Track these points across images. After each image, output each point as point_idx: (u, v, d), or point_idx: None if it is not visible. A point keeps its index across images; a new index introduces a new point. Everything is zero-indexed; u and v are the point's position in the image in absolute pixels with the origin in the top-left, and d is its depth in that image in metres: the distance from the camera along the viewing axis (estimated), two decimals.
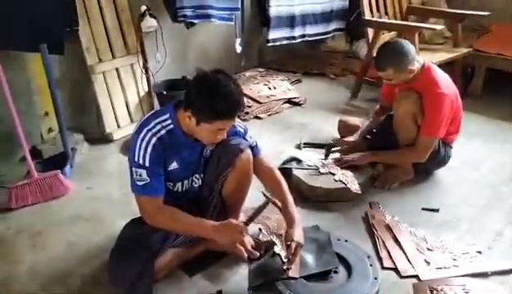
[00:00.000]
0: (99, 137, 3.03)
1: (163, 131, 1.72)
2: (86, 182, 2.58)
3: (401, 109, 2.36)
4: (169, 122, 1.74)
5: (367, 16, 3.54)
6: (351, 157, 2.52)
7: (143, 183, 1.70)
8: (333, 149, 2.64)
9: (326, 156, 2.62)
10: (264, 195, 1.87)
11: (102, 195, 2.47)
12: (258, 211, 1.85)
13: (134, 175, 1.71)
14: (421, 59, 2.38)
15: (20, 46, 2.44)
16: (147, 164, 1.69)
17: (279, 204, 1.89)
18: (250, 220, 1.85)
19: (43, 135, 2.87)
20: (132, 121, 3.12)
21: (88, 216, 2.30)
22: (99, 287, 1.83)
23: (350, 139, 2.66)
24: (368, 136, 2.74)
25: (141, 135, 1.70)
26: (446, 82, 2.35)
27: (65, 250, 2.07)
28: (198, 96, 1.63)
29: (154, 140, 1.70)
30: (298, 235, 1.81)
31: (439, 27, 3.35)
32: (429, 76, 2.33)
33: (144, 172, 1.69)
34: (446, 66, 3.18)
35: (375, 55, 2.55)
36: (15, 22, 2.31)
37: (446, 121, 2.31)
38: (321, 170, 2.48)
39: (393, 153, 2.50)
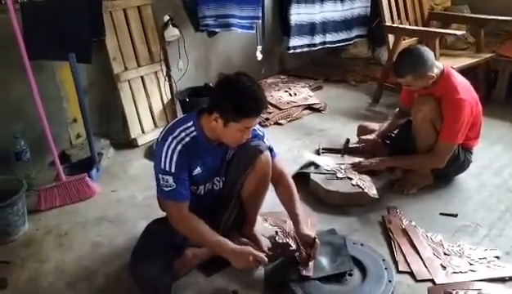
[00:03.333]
0: (124, 143, 3.14)
1: (187, 139, 1.79)
2: (111, 185, 2.69)
3: (419, 114, 2.36)
4: (193, 128, 1.81)
5: (388, 22, 3.55)
6: (369, 161, 2.55)
7: (169, 189, 1.78)
8: (351, 146, 2.70)
9: (344, 151, 2.68)
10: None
11: (126, 198, 2.56)
12: (286, 252, 1.94)
13: (161, 182, 1.78)
14: (441, 64, 2.38)
15: (49, 56, 2.57)
16: (173, 170, 1.76)
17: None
18: (272, 257, 1.90)
19: (72, 140, 3.00)
20: (156, 127, 3.23)
21: (112, 217, 2.39)
22: (121, 285, 1.91)
23: (368, 137, 2.68)
24: (387, 141, 2.76)
25: (167, 142, 1.77)
26: (465, 88, 2.35)
27: (90, 250, 2.16)
28: (224, 97, 1.71)
29: (179, 147, 1.76)
30: (309, 230, 1.86)
31: (460, 32, 3.33)
32: (449, 81, 2.33)
33: (170, 179, 1.76)
34: (468, 72, 3.16)
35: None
36: (46, 33, 2.43)
37: (465, 127, 2.30)
38: (339, 174, 2.50)
39: (411, 159, 2.50)
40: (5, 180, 2.36)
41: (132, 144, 3.12)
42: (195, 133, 1.81)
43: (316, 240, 1.83)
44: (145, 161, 2.96)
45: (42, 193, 2.46)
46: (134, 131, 3.13)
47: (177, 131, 1.80)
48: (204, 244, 1.88)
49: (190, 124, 1.82)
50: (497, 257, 1.97)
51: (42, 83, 2.54)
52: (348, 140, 2.78)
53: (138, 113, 3.15)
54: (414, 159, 2.50)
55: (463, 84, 2.36)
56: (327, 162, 2.65)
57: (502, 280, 1.84)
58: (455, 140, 2.32)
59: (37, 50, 2.41)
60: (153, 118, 3.24)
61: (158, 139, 1.87)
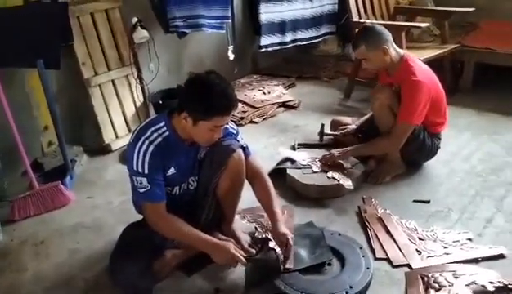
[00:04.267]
0: (98, 148, 3.09)
1: (159, 139, 1.78)
2: (86, 192, 2.65)
3: (376, 102, 2.45)
4: (165, 129, 1.80)
5: (355, 18, 3.62)
6: (332, 154, 2.57)
7: (144, 190, 1.77)
8: (327, 132, 2.85)
9: (320, 136, 2.86)
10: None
11: (102, 204, 2.53)
12: (264, 249, 1.95)
13: (135, 183, 1.78)
14: (402, 51, 2.46)
15: (17, 63, 2.52)
16: (147, 172, 1.75)
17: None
18: (251, 257, 1.91)
19: (44, 148, 2.94)
20: (129, 131, 3.19)
21: (89, 224, 2.36)
22: (102, 289, 1.89)
23: (348, 128, 2.79)
24: (359, 135, 2.82)
25: (139, 144, 1.76)
26: (423, 71, 2.42)
27: (68, 257, 2.13)
28: (194, 96, 1.71)
29: (151, 148, 1.76)
30: (286, 229, 1.87)
31: (425, 24, 3.42)
32: (407, 66, 2.41)
33: (144, 180, 1.75)
34: (435, 63, 3.26)
35: None
36: (12, 40, 2.39)
37: (422, 108, 2.35)
38: (314, 168, 2.54)
39: (370, 144, 2.54)
40: None
41: (105, 149, 3.08)
42: (167, 133, 1.80)
43: (290, 240, 1.83)
44: (120, 166, 2.92)
45: (16, 202, 2.41)
46: (107, 137, 3.10)
47: (149, 131, 1.79)
48: (184, 241, 1.88)
49: (162, 124, 1.81)
50: (470, 239, 2.03)
51: (11, 92, 2.50)
52: (323, 125, 2.91)
53: (111, 117, 3.12)
54: (372, 144, 2.53)
55: (421, 68, 2.43)
56: (303, 156, 2.69)
57: (475, 261, 1.90)
58: (412, 120, 2.37)
59: (3, 57, 2.38)
60: (126, 123, 3.21)
61: (130, 140, 1.85)
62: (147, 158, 1.75)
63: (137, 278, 1.80)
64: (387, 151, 2.53)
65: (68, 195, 2.53)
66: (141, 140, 1.77)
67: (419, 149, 2.50)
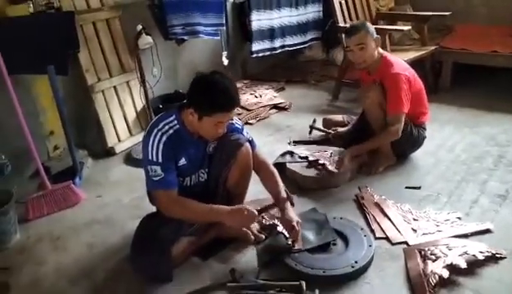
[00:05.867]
0: (101, 152, 3.22)
1: (171, 131, 1.93)
2: (95, 192, 2.76)
3: (367, 101, 2.66)
4: (175, 122, 1.96)
5: (341, 24, 3.84)
6: (341, 160, 2.68)
7: (158, 178, 1.90)
8: (319, 128, 3.10)
9: (311, 129, 3.12)
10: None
11: (112, 202, 2.65)
12: (268, 207, 2.12)
13: (150, 173, 1.91)
14: (381, 50, 2.68)
15: (29, 70, 2.64)
16: (160, 160, 1.89)
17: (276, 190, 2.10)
18: (261, 211, 2.07)
19: (50, 152, 3.05)
20: (131, 135, 3.32)
21: (102, 220, 2.48)
22: (122, 278, 2.01)
23: (341, 130, 3.04)
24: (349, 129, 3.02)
25: (153, 134, 1.91)
26: (399, 64, 2.66)
27: (86, 250, 2.24)
28: (199, 93, 1.86)
29: (164, 138, 1.90)
30: (293, 215, 2.02)
31: (406, 28, 3.67)
32: (386, 62, 2.64)
33: (158, 168, 1.89)
34: (416, 64, 3.49)
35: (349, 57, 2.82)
36: (24, 48, 2.51)
37: (405, 97, 2.56)
38: (311, 158, 2.72)
39: (371, 141, 2.73)
40: None
41: (109, 152, 3.20)
42: (177, 126, 1.95)
43: (297, 224, 1.98)
44: (125, 167, 3.05)
45: (30, 202, 2.52)
46: (111, 140, 3.22)
47: (161, 124, 1.94)
48: (199, 218, 2.01)
49: (172, 118, 1.96)
50: (459, 218, 2.22)
51: (18, 98, 2.59)
52: (314, 120, 3.19)
53: (113, 122, 3.24)
54: (373, 140, 2.72)
55: (398, 62, 2.67)
56: (300, 151, 2.86)
57: (465, 236, 2.09)
58: (401, 108, 2.57)
59: (14, 64, 2.48)
60: (128, 126, 3.34)
61: (144, 133, 1.99)
62: (161, 148, 1.89)
63: (157, 264, 1.93)
64: (390, 141, 2.70)
65: (79, 194, 2.64)
66: (155, 132, 1.92)
67: (407, 140, 2.70)
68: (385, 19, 4.22)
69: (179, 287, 1.91)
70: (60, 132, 2.92)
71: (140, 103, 3.38)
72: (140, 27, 2.93)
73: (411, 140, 2.74)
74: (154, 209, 2.15)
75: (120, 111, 3.30)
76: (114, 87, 3.26)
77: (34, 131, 2.84)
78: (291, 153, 2.83)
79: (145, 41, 2.93)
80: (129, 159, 3.11)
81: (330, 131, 3.09)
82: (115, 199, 2.67)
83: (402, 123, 2.61)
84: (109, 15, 3.22)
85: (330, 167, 2.61)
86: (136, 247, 2.02)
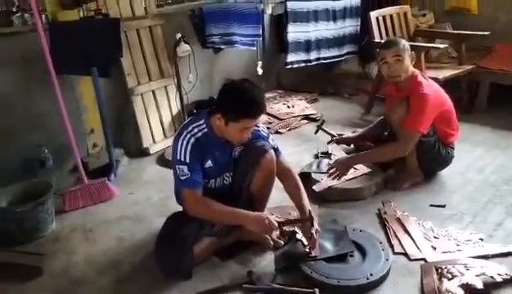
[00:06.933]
0: (137, 152, 3.38)
1: (199, 134, 2.04)
2: (127, 189, 2.92)
3: (395, 116, 2.66)
4: (204, 126, 2.06)
5: (377, 39, 3.86)
6: (339, 163, 2.71)
7: (185, 177, 2.01)
8: (326, 130, 3.19)
9: (317, 128, 3.20)
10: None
11: (142, 199, 2.79)
12: (291, 222, 2.18)
13: (177, 172, 2.02)
14: (412, 69, 2.68)
15: (74, 71, 2.83)
16: (188, 160, 2.00)
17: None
18: (281, 224, 2.14)
19: (89, 149, 3.23)
20: (165, 137, 3.47)
21: (132, 216, 2.61)
22: (147, 271, 2.13)
23: (345, 134, 3.10)
24: (371, 144, 3.03)
25: (182, 136, 2.03)
26: (429, 86, 2.64)
27: (114, 243, 2.37)
28: (227, 99, 1.96)
29: (192, 140, 2.01)
30: (314, 224, 2.07)
31: (442, 45, 3.65)
32: (415, 81, 2.64)
33: (185, 168, 2.00)
34: (452, 83, 3.48)
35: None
36: (72, 50, 2.70)
37: (427, 118, 2.55)
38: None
39: (376, 150, 2.75)
40: (34, 183, 2.59)
41: (144, 152, 3.36)
42: (206, 130, 2.05)
43: (314, 233, 2.02)
44: (157, 167, 3.20)
45: (67, 195, 2.69)
46: (146, 141, 3.38)
47: (191, 127, 2.06)
48: (220, 218, 2.09)
49: (201, 122, 2.07)
50: (481, 239, 2.20)
51: (62, 96, 2.78)
52: (323, 121, 3.28)
53: (150, 124, 3.41)
54: (379, 150, 2.73)
55: (428, 84, 2.65)
56: (326, 163, 2.91)
57: (485, 257, 2.07)
58: (418, 127, 2.55)
59: (63, 65, 2.67)
60: (163, 129, 3.50)
61: (175, 135, 2.11)
62: (189, 149, 2.00)
63: (178, 261, 2.03)
64: (394, 157, 2.70)
65: (113, 190, 2.80)
66: (184, 134, 2.03)
67: (435, 158, 2.70)
68: (423, 36, 4.21)
69: (198, 284, 2.00)
70: (100, 131, 3.11)
71: (175, 107, 3.53)
72: (179, 35, 3.08)
73: (439, 159, 2.73)
74: (180, 208, 2.26)
75: (157, 114, 3.46)
76: (153, 91, 3.42)
77: (76, 129, 3.04)
78: (317, 166, 2.87)
79: (184, 49, 3.07)
80: (162, 160, 3.25)
81: (335, 134, 3.15)
82: (146, 197, 2.80)
83: (412, 144, 2.59)
84: (152, 23, 3.40)
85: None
86: (160, 243, 2.13)
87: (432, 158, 2.68)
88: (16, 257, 2.22)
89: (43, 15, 2.84)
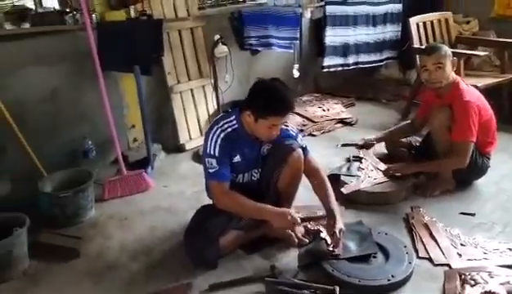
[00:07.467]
0: (173, 147, 3.52)
1: (229, 129, 2.13)
2: (163, 182, 3.06)
3: (435, 122, 2.63)
4: (234, 122, 2.15)
5: (416, 45, 3.83)
6: (397, 167, 2.78)
7: (213, 170, 2.11)
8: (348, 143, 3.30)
9: (342, 145, 3.30)
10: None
11: (176, 192, 2.92)
12: (313, 218, 2.26)
13: (207, 165, 2.12)
14: (453, 76, 2.66)
15: (118, 68, 3.00)
16: (217, 154, 2.09)
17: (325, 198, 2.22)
18: (304, 220, 2.20)
19: (130, 143, 3.40)
20: (201, 134, 3.60)
21: (166, 207, 2.74)
22: (176, 259, 2.23)
23: (370, 138, 3.14)
24: (412, 151, 3.02)
25: (213, 131, 2.13)
26: (471, 93, 2.61)
27: (147, 232, 2.50)
28: (257, 97, 2.05)
29: (222, 135, 2.11)
30: (339, 223, 2.12)
31: (482, 53, 3.58)
32: (457, 88, 2.61)
33: (214, 161, 2.10)
34: (493, 91, 3.40)
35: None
36: (117, 48, 2.86)
37: (473, 125, 2.53)
38: (367, 176, 2.77)
39: (436, 162, 2.73)
40: (77, 171, 2.77)
41: (180, 148, 3.50)
42: (236, 126, 2.14)
43: (338, 231, 2.07)
44: (192, 163, 3.32)
45: (107, 184, 2.85)
46: (183, 138, 3.52)
47: (222, 122, 2.15)
48: (245, 212, 2.17)
49: (232, 118, 2.16)
50: (510, 249, 2.16)
51: (107, 92, 2.94)
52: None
53: (187, 121, 3.54)
54: (438, 162, 2.72)
55: (470, 90, 2.62)
56: (357, 166, 2.93)
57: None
58: (468, 137, 2.53)
59: (108, 62, 2.84)
60: (199, 127, 3.62)
61: (206, 130, 2.21)
62: (218, 143, 2.10)
63: (205, 251, 2.13)
64: (452, 169, 2.68)
65: (149, 182, 2.94)
66: (215, 128, 2.13)
67: (471, 169, 2.65)
68: (465, 43, 4.13)
69: (222, 273, 2.09)
70: (140, 126, 3.26)
71: (212, 106, 3.65)
72: (217, 37, 3.20)
73: (476, 169, 2.69)
74: (210, 202, 2.36)
75: (194, 112, 3.59)
76: (191, 90, 3.56)
77: (118, 124, 3.21)
78: (347, 168, 2.90)
79: (221, 50, 3.19)
80: (197, 156, 3.37)
81: (357, 143, 3.22)
82: (179, 191, 2.93)
83: (469, 154, 2.56)
84: (193, 24, 3.53)
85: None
86: (188, 234, 2.23)
87: (468, 167, 2.62)
88: (57, 239, 2.38)
89: (93, 15, 3.03)
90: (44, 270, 2.22)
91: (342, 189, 2.68)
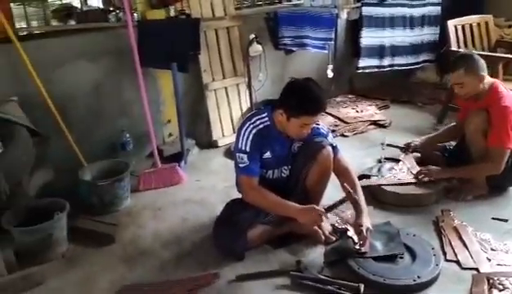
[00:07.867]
0: (206, 143, 3.62)
1: (261, 126, 2.19)
2: (195, 176, 3.15)
3: (471, 126, 2.59)
4: (266, 119, 2.21)
5: (454, 48, 3.76)
6: (431, 171, 2.74)
7: (243, 165, 2.17)
8: (391, 144, 3.24)
9: (383, 146, 3.27)
10: (346, 190, 2.25)
11: (208, 186, 3.00)
12: (337, 204, 2.23)
13: (238, 159, 2.19)
14: (492, 79, 2.61)
15: (156, 65, 3.11)
16: (248, 150, 2.15)
17: (353, 196, 2.22)
18: (330, 209, 2.23)
19: (165, 138, 3.51)
20: (234, 132, 3.66)
21: (197, 200, 2.83)
22: (205, 250, 2.31)
23: (414, 141, 3.08)
24: (445, 154, 2.98)
25: (245, 126, 2.19)
26: (511, 98, 2.54)
27: (179, 223, 2.60)
28: (290, 96, 2.09)
29: (254, 131, 2.17)
30: (367, 222, 2.14)
31: None
32: (496, 93, 2.55)
33: (245, 156, 2.16)
34: None
35: None
36: (155, 46, 2.97)
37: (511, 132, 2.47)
38: (398, 177, 2.76)
39: (470, 168, 2.69)
40: (115, 162, 2.90)
41: (213, 144, 3.59)
42: (268, 123, 2.19)
43: (365, 230, 2.09)
44: (224, 159, 3.40)
45: (142, 176, 2.97)
46: (216, 134, 3.60)
47: (254, 118, 2.21)
48: (272, 208, 2.22)
49: (264, 115, 2.22)
50: None
51: (145, 88, 3.06)
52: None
53: (220, 118, 3.63)
54: (472, 168, 2.68)
55: (509, 95, 2.56)
56: (388, 167, 2.92)
57: None
58: (504, 143, 2.48)
59: (147, 59, 2.96)
60: (232, 124, 3.70)
61: (238, 125, 2.27)
62: (250, 138, 2.16)
63: (233, 243, 2.20)
64: (486, 175, 2.65)
65: (182, 175, 3.04)
66: (247, 125, 2.19)
67: (507, 175, 2.60)
68: (506, 47, 4.01)
69: (249, 265, 2.15)
70: (175, 122, 3.36)
71: (245, 104, 3.72)
72: (252, 36, 3.27)
73: (510, 175, 2.63)
74: (239, 196, 2.42)
75: (228, 109, 3.67)
76: (225, 88, 3.64)
77: (155, 119, 3.34)
78: (378, 169, 2.90)
79: (255, 49, 3.25)
80: (229, 153, 3.45)
81: (400, 146, 3.17)
82: (211, 185, 3.01)
83: (505, 161, 2.52)
84: (230, 23, 3.61)
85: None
86: (218, 226, 2.31)
87: (501, 173, 2.57)
88: (95, 225, 2.51)
89: (134, 14, 3.16)
90: (81, 254, 2.35)
91: (360, 182, 2.64)
